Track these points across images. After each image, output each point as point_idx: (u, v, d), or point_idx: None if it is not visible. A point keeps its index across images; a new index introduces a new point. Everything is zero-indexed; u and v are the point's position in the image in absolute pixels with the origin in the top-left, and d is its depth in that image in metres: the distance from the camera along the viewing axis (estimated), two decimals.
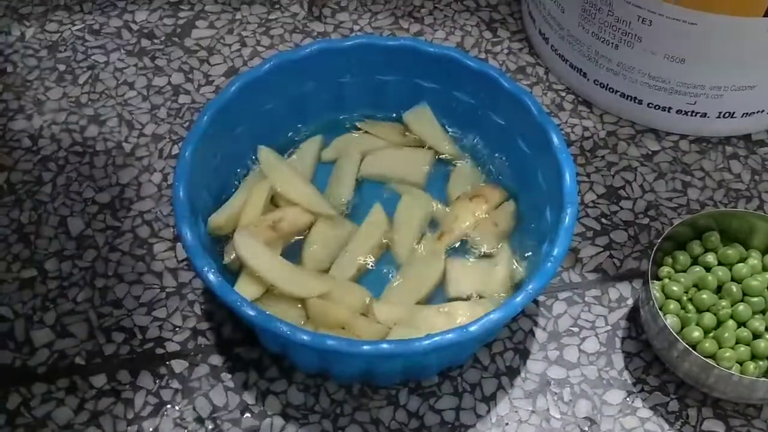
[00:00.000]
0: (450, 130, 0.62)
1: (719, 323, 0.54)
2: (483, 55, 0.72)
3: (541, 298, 0.59)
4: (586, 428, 0.54)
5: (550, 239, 0.53)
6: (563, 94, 0.70)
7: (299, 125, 0.62)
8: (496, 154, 0.61)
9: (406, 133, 0.62)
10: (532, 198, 0.58)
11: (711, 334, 0.54)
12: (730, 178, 0.65)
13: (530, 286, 0.49)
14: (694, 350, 0.52)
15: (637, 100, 0.65)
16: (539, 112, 0.57)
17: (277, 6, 0.74)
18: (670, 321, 0.54)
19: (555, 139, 0.55)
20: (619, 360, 0.56)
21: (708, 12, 0.57)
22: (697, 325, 0.54)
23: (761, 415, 0.55)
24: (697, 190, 0.64)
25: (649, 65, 0.62)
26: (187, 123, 0.67)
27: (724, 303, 0.54)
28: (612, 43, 0.63)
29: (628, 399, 0.55)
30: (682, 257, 0.57)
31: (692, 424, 0.54)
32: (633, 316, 0.58)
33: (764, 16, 0.56)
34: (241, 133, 0.59)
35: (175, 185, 0.52)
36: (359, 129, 0.63)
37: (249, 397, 0.54)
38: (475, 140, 0.62)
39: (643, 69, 0.63)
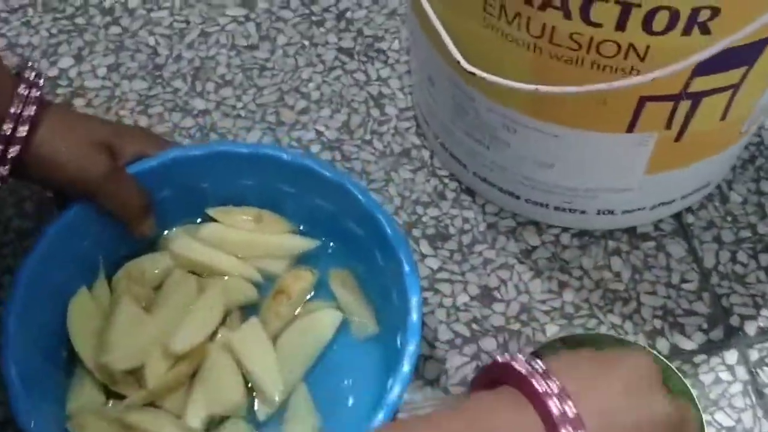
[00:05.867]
0: (311, 234, 0.61)
1: None
2: (368, 136, 0.69)
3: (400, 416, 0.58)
4: None
5: (393, 374, 0.51)
6: (446, 181, 0.67)
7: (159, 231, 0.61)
8: (359, 265, 0.59)
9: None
10: (388, 317, 0.57)
11: None
12: (609, 278, 0.63)
13: None
14: None
15: (515, 196, 0.63)
16: (393, 232, 0.55)
17: (159, 80, 0.72)
18: None
19: (406, 267, 0.53)
20: None
21: (569, 127, 0.55)
22: None
23: None
24: (573, 291, 0.62)
25: (520, 168, 0.60)
26: None
27: None
28: (483, 144, 0.60)
29: None
30: None
31: None
32: None
33: (627, 132, 0.54)
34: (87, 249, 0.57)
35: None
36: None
37: None
38: (332, 245, 0.61)
39: (516, 171, 0.61)
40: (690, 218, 0.66)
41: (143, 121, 0.70)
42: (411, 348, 0.51)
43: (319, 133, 0.70)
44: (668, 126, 0.53)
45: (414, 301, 0.52)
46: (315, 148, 0.69)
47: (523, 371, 0.40)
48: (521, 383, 0.40)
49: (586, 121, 0.54)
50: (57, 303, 0.56)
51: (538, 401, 0.39)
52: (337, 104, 0.71)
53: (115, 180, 0.54)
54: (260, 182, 0.60)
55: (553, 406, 0.38)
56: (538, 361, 0.41)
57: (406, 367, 0.50)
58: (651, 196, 0.61)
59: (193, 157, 0.58)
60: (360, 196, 0.56)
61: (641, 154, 0.56)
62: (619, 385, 0.41)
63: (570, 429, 0.38)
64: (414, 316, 0.52)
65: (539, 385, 0.39)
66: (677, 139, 0.55)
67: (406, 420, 0.44)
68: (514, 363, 0.41)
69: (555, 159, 0.58)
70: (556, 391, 0.39)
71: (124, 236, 0.58)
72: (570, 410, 0.38)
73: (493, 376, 0.43)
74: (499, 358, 0.43)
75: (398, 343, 0.54)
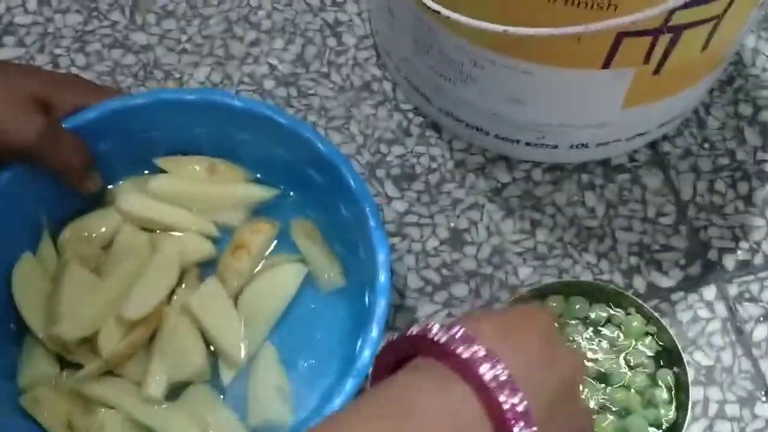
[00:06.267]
0: (269, 183, 0.57)
1: None
2: (325, 69, 0.65)
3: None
4: None
5: (362, 335, 0.49)
6: (410, 115, 0.63)
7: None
8: (322, 216, 0.56)
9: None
10: (355, 269, 0.54)
11: None
12: (583, 214, 0.60)
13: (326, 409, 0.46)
14: None
15: (483, 131, 0.60)
16: (356, 183, 0.51)
17: (95, 13, 0.66)
18: None
19: (371, 222, 0.50)
20: None
21: (541, 64, 0.51)
22: None
23: None
24: (546, 230, 0.60)
25: (489, 104, 0.56)
26: None
27: None
28: (448, 79, 0.56)
29: None
30: None
31: None
32: None
33: (603, 68, 0.50)
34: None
35: None
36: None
37: None
38: (292, 194, 0.57)
39: (484, 107, 0.57)
40: (666, 147, 0.63)
41: (81, 60, 0.64)
42: (380, 310, 0.48)
43: (272, 67, 0.65)
44: (646, 60, 0.50)
45: (381, 257, 0.49)
46: (269, 84, 0.64)
47: (443, 339, 0.36)
48: (442, 353, 0.36)
49: (559, 58, 0.50)
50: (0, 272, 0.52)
51: (466, 369, 0.35)
52: (290, 34, 0.66)
53: (51, 139, 0.49)
54: (211, 130, 0.55)
55: (485, 370, 0.35)
56: (455, 327, 0.37)
57: (374, 331, 0.48)
58: (627, 128, 0.58)
59: (136, 107, 0.53)
60: (320, 145, 0.52)
61: (617, 90, 0.52)
62: (534, 337, 0.38)
63: (507, 392, 0.35)
64: (382, 277, 0.49)
65: (465, 352, 0.36)
66: (655, 72, 0.51)
67: (331, 417, 0.38)
68: (429, 333, 0.37)
69: (526, 96, 0.54)
70: (483, 354, 0.36)
71: (67, 193, 0.54)
72: (502, 372, 0.35)
73: (403, 352, 0.39)
74: (413, 330, 0.38)
75: (366, 299, 0.51)
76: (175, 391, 0.52)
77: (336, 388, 0.48)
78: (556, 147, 0.59)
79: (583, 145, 0.59)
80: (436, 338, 0.37)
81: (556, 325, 0.41)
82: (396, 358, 0.39)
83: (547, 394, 0.37)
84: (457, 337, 0.36)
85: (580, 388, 0.41)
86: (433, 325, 0.37)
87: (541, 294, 0.54)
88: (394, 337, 0.39)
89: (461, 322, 0.38)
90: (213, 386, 0.52)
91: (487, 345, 0.36)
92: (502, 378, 0.35)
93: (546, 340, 0.39)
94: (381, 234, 0.50)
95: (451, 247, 0.59)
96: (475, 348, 0.36)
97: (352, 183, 0.51)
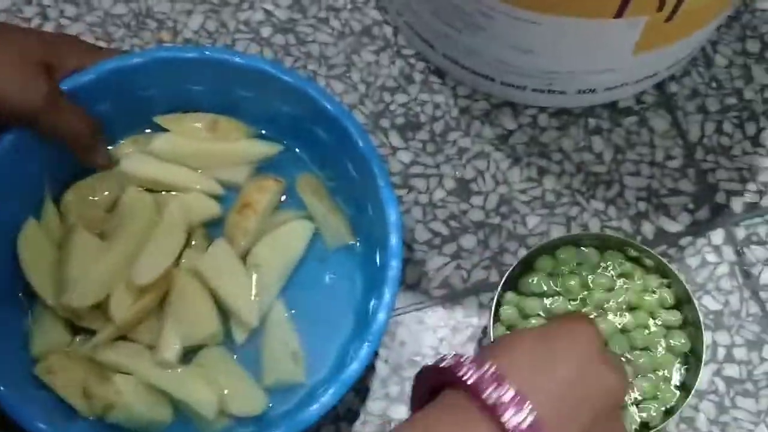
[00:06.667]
0: (273, 139, 0.56)
1: None
2: (323, 13, 0.63)
3: None
4: None
5: (375, 296, 0.49)
6: (413, 61, 0.62)
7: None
8: (329, 173, 0.55)
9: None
10: (363, 228, 0.54)
11: None
12: (591, 160, 0.60)
13: (331, 390, 0.47)
14: None
15: (489, 78, 0.58)
16: (365, 143, 0.50)
17: None
18: None
19: (380, 182, 0.50)
20: None
21: (550, 14, 0.49)
22: None
23: None
24: (553, 178, 0.59)
25: (496, 53, 0.55)
26: None
27: None
28: (455, 27, 0.55)
29: None
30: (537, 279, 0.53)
31: None
32: (483, 336, 0.55)
33: (615, 17, 0.49)
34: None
35: None
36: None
37: None
38: (298, 151, 0.56)
39: (491, 55, 0.55)
40: (673, 87, 0.62)
41: (70, 11, 0.62)
42: (392, 272, 0.48)
43: (268, 13, 0.63)
44: (660, 8, 0.48)
45: (392, 218, 0.49)
46: (266, 32, 0.62)
47: (472, 380, 0.37)
48: (470, 393, 0.37)
49: (570, 8, 0.48)
50: (4, 240, 0.51)
51: (492, 413, 0.36)
52: None
53: (55, 106, 0.48)
54: (211, 87, 0.54)
55: (509, 416, 0.36)
56: (486, 363, 0.37)
57: (387, 295, 0.48)
58: (636, 72, 0.57)
59: (133, 66, 0.52)
60: (325, 103, 0.51)
61: (629, 38, 0.51)
62: (566, 364, 0.39)
63: None
64: (393, 239, 0.48)
65: (492, 395, 0.36)
66: (668, 19, 0.50)
67: None
68: (460, 370, 0.37)
69: (534, 45, 0.53)
70: (510, 396, 0.36)
71: (68, 155, 0.52)
72: (526, 418, 0.36)
73: (439, 380, 0.39)
74: (446, 361, 0.38)
75: (377, 259, 0.51)
76: (188, 354, 0.52)
77: (351, 349, 0.48)
78: (563, 93, 0.58)
79: (590, 90, 0.58)
80: (465, 378, 0.37)
81: (600, 336, 0.41)
82: (432, 385, 0.40)
83: (581, 424, 0.38)
84: (486, 376, 0.37)
85: (624, 404, 0.41)
86: (465, 360, 0.38)
87: (547, 248, 0.53)
88: (429, 365, 0.40)
89: (494, 353, 0.38)
90: (226, 347, 0.52)
91: (518, 382, 0.36)
92: (525, 425, 0.36)
93: (587, 358, 0.38)
94: (390, 194, 0.49)
95: (458, 197, 0.58)
96: (502, 390, 0.36)
97: (360, 142, 0.50)
